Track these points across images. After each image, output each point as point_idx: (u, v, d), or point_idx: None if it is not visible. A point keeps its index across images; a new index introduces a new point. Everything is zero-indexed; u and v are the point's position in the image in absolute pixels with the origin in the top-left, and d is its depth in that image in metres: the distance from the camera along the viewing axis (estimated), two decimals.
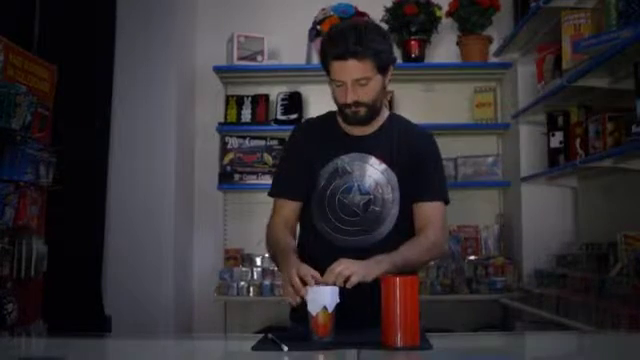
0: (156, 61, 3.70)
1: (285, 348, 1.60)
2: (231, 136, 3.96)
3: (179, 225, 3.76)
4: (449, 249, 3.87)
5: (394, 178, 2.03)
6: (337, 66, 1.91)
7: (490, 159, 3.96)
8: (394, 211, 2.03)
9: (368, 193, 2.01)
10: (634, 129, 2.44)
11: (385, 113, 2.10)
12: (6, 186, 2.65)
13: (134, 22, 3.69)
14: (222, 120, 3.98)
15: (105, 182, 3.53)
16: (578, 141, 3.02)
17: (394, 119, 2.12)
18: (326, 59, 1.94)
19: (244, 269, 3.82)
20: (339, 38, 1.90)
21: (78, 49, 3.27)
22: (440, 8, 3.89)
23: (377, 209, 2.02)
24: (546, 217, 3.59)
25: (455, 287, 3.70)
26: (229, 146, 3.94)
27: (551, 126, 3.26)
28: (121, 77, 3.62)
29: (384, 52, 1.93)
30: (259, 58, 3.91)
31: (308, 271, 1.77)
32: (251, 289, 3.77)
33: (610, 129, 2.69)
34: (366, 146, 2.04)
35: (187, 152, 3.99)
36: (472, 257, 3.85)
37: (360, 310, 1.78)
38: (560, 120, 3.22)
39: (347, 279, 1.75)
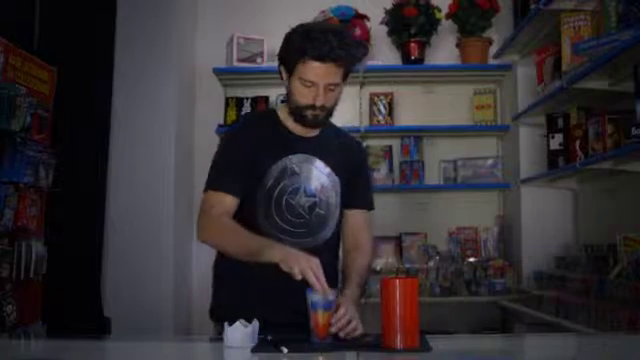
0: (156, 63, 3.70)
1: (285, 350, 1.60)
2: None
3: (179, 226, 3.75)
4: (449, 251, 3.88)
5: (338, 182, 2.04)
6: (313, 66, 1.87)
7: (490, 161, 3.96)
8: (336, 214, 2.06)
9: (314, 195, 2.00)
10: (634, 131, 2.44)
11: None
12: (6, 187, 2.65)
13: (134, 24, 3.68)
14: (222, 122, 3.97)
15: (105, 184, 3.53)
16: (578, 143, 3.01)
17: (329, 124, 2.08)
18: (299, 56, 1.88)
19: None
20: (321, 39, 1.86)
21: (78, 50, 3.27)
22: (440, 10, 3.89)
23: (322, 212, 2.01)
24: (546, 219, 3.59)
25: (454, 289, 3.70)
26: None
27: (551, 128, 3.26)
28: (121, 79, 3.62)
29: (358, 61, 1.94)
30: (259, 60, 3.91)
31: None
32: None
33: (610, 131, 2.69)
34: (312, 148, 2.02)
35: (187, 153, 3.98)
36: (471, 259, 3.84)
37: None
38: (560, 122, 3.22)
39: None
